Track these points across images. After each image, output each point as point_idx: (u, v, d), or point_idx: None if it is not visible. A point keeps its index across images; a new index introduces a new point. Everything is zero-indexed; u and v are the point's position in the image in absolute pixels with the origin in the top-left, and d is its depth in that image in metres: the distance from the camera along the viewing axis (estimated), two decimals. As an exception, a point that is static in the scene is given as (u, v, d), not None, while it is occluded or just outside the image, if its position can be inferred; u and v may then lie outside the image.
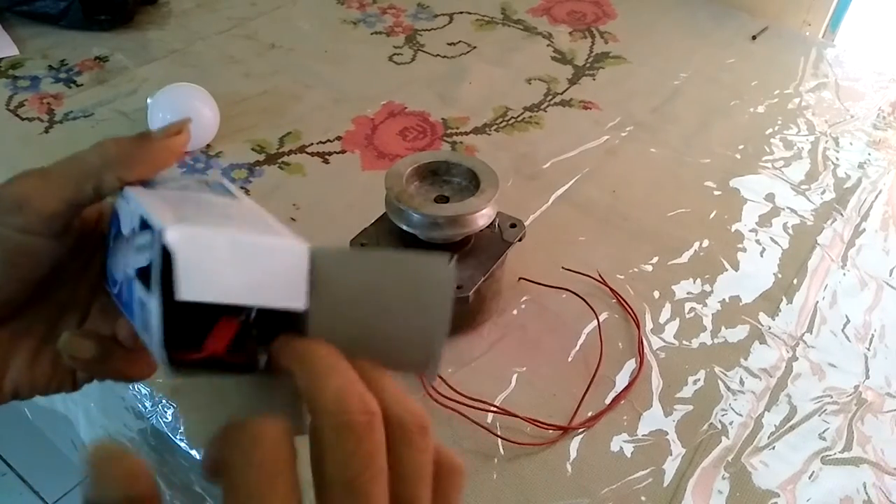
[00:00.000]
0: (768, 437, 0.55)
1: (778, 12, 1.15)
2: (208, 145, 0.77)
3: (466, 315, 0.59)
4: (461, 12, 1.07)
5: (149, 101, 0.76)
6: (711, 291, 0.66)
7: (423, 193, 0.57)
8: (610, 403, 0.56)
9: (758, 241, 0.72)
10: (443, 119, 0.85)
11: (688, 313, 0.64)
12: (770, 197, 0.78)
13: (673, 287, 0.66)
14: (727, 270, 0.69)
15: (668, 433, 0.55)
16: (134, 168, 0.28)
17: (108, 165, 0.27)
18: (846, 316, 0.66)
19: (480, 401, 0.54)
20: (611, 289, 0.64)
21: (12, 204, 0.27)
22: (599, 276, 0.65)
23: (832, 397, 0.59)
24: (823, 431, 0.56)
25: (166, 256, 0.22)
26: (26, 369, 0.30)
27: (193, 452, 0.52)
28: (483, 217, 0.55)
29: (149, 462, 0.58)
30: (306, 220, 0.68)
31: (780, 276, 0.69)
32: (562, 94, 0.91)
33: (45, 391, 0.31)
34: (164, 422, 0.53)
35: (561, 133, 0.84)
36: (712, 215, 0.75)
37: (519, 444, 0.52)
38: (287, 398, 0.25)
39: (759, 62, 1.01)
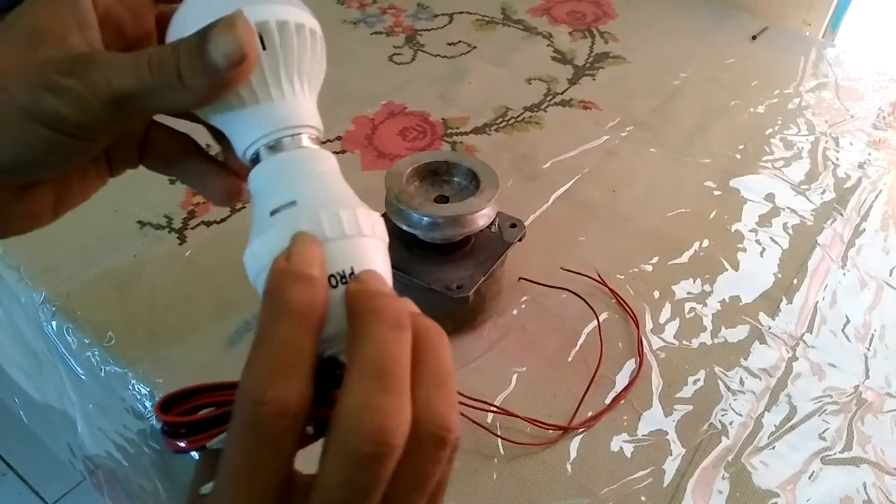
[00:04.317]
0: (768, 437, 0.55)
1: (778, 12, 1.15)
2: (207, 145, 0.77)
3: (466, 315, 0.59)
4: (461, 12, 1.07)
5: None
6: (711, 291, 0.66)
7: (423, 193, 0.57)
8: (610, 403, 0.56)
9: (758, 241, 0.72)
10: (443, 119, 0.85)
11: (688, 313, 0.64)
12: (770, 197, 0.78)
13: (673, 287, 0.66)
14: (727, 270, 0.69)
15: (667, 433, 0.55)
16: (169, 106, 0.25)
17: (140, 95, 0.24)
18: (846, 316, 0.66)
19: (480, 401, 0.54)
20: (610, 289, 0.64)
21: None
22: (599, 276, 0.65)
23: (832, 397, 0.59)
24: (823, 431, 0.56)
25: None
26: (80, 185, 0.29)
27: (193, 453, 0.52)
28: (483, 217, 0.55)
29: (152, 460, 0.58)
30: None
31: (780, 276, 0.69)
32: (562, 94, 0.91)
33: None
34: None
35: (561, 133, 0.84)
36: (712, 215, 0.75)
37: (519, 444, 0.52)
38: None
39: (759, 62, 1.01)
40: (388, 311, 0.22)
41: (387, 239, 0.26)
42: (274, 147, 0.26)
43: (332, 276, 0.24)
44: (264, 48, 0.25)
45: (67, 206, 0.30)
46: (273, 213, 0.25)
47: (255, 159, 0.26)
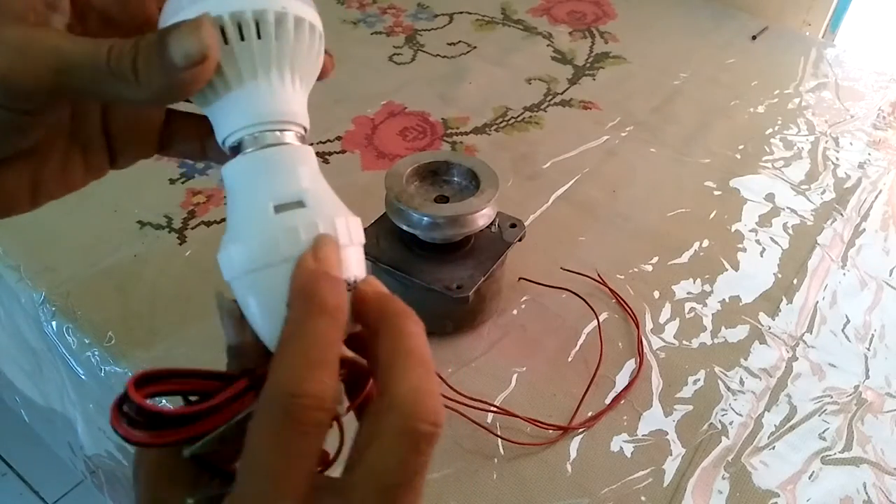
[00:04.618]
0: (768, 437, 0.55)
1: (778, 12, 1.15)
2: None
3: (466, 315, 0.59)
4: (461, 12, 1.07)
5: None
6: (711, 291, 0.66)
7: (423, 193, 0.57)
8: (610, 403, 0.56)
9: (758, 241, 0.72)
10: (443, 119, 0.85)
11: (688, 313, 0.64)
12: (770, 197, 0.78)
13: (673, 287, 0.66)
14: (727, 270, 0.69)
15: (667, 433, 0.55)
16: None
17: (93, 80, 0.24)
18: (846, 316, 0.66)
19: (480, 401, 0.54)
20: (610, 289, 0.64)
21: None
22: (599, 276, 0.65)
23: (832, 397, 0.59)
24: (823, 431, 0.56)
25: None
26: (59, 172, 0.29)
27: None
28: (483, 217, 0.55)
29: None
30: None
31: (780, 276, 0.69)
32: (562, 94, 0.91)
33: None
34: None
35: (561, 133, 0.84)
36: (712, 215, 0.75)
37: (519, 444, 0.52)
38: None
39: (759, 62, 1.01)
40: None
41: (363, 241, 0.28)
42: (259, 138, 0.25)
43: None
44: (259, 37, 0.25)
45: (47, 195, 0.29)
46: (277, 209, 0.24)
47: (237, 148, 0.26)
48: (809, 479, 0.53)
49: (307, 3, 0.26)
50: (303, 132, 0.27)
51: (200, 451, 0.23)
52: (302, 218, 0.24)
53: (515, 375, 0.57)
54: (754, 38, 1.06)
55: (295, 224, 0.24)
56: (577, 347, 0.60)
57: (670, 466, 0.52)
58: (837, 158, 0.85)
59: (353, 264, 0.25)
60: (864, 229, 0.76)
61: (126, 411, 0.23)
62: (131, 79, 0.23)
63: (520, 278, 0.64)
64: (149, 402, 0.23)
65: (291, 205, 0.25)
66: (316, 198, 0.25)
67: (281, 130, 0.26)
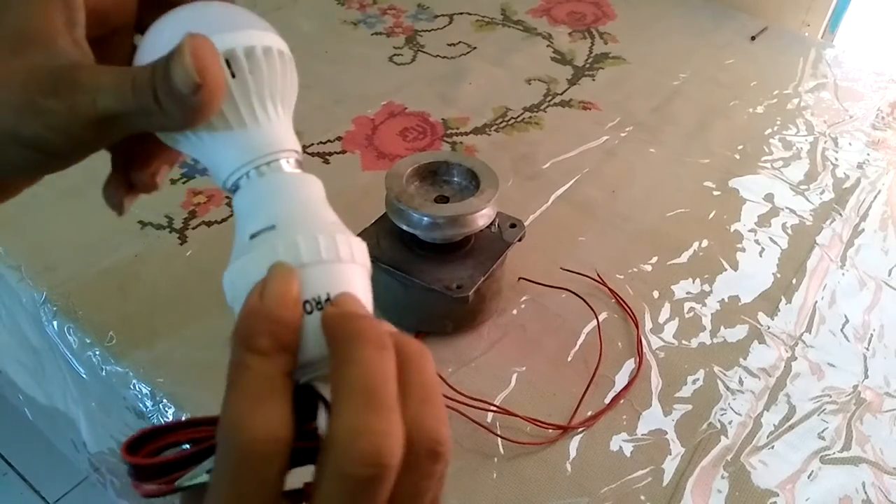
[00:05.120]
0: (767, 437, 0.55)
1: (777, 13, 1.15)
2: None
3: (466, 315, 0.59)
4: (461, 13, 1.07)
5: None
6: (710, 291, 0.67)
7: (423, 193, 0.57)
8: (609, 403, 0.56)
9: (757, 241, 0.73)
10: (443, 119, 0.85)
11: (687, 313, 0.64)
12: (769, 197, 0.78)
13: (672, 287, 0.66)
14: (726, 270, 0.69)
15: (667, 432, 0.55)
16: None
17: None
18: (845, 316, 0.66)
19: (480, 400, 0.54)
20: (610, 289, 0.65)
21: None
22: (598, 276, 0.65)
23: (831, 397, 0.59)
24: (822, 431, 0.56)
25: None
26: None
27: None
28: (483, 217, 0.55)
29: None
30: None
31: (779, 275, 0.69)
32: (561, 94, 0.91)
33: None
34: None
35: (561, 133, 0.84)
36: (711, 215, 0.75)
37: (519, 443, 0.53)
38: None
39: (758, 63, 1.02)
40: (369, 333, 0.22)
41: (368, 265, 0.26)
42: (251, 175, 0.26)
43: (307, 301, 0.24)
44: (234, 76, 0.25)
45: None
46: (252, 236, 0.25)
47: (236, 188, 0.26)
48: (808, 478, 0.53)
49: (267, 29, 0.27)
50: (295, 156, 0.27)
51: (189, 483, 0.24)
52: (264, 242, 0.24)
53: (515, 375, 0.57)
54: (753, 38, 1.07)
55: (257, 249, 0.24)
56: (577, 347, 0.60)
57: (669, 466, 0.53)
58: (836, 159, 0.85)
59: (324, 282, 0.24)
60: (863, 229, 0.76)
61: (134, 472, 0.24)
62: (155, 110, 0.23)
63: (520, 278, 0.64)
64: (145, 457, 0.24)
65: (264, 230, 0.25)
66: (290, 220, 0.25)
67: (270, 162, 0.26)
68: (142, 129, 0.25)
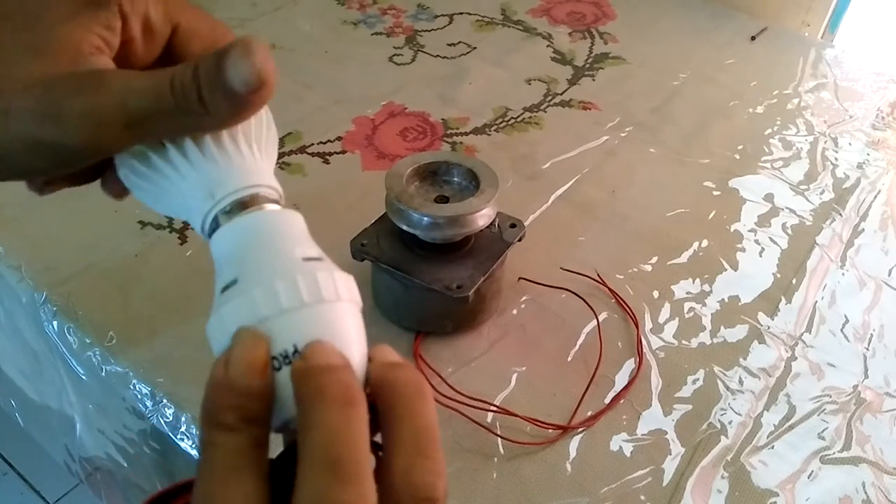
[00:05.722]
0: (767, 437, 0.55)
1: (777, 13, 1.15)
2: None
3: (466, 315, 0.59)
4: (461, 13, 1.07)
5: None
6: (710, 291, 0.67)
7: (423, 193, 0.57)
8: (609, 403, 0.56)
9: (757, 241, 0.73)
10: (443, 119, 0.85)
11: (687, 313, 0.64)
12: (769, 197, 0.78)
13: (672, 287, 0.66)
14: (726, 270, 0.69)
15: (667, 432, 0.55)
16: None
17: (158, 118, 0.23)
18: (845, 316, 0.66)
19: (480, 400, 0.54)
20: (610, 289, 0.65)
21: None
22: (598, 276, 0.65)
23: (831, 397, 0.59)
24: (822, 431, 0.56)
25: None
26: None
27: (194, 452, 0.53)
28: (483, 217, 0.55)
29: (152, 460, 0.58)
30: (306, 221, 0.68)
31: (779, 275, 0.69)
32: (561, 94, 0.91)
33: None
34: (164, 422, 0.54)
35: (561, 133, 0.84)
36: (711, 215, 0.75)
37: (519, 443, 0.53)
38: None
39: (758, 63, 1.02)
40: (332, 389, 0.21)
41: (346, 297, 0.24)
42: (219, 218, 0.25)
43: (275, 357, 0.22)
44: None
45: None
46: (223, 290, 0.24)
47: (212, 232, 0.25)
48: (808, 478, 0.53)
49: None
50: (266, 191, 0.26)
51: None
52: (228, 299, 0.24)
53: (515, 375, 0.57)
54: (753, 38, 1.07)
55: (226, 307, 0.24)
56: (577, 347, 0.60)
57: (669, 466, 0.53)
58: (836, 159, 0.85)
59: (291, 333, 0.22)
60: (863, 229, 0.76)
61: None
62: (199, 110, 0.23)
63: (520, 278, 0.64)
64: None
65: (229, 284, 0.24)
66: (251, 270, 0.24)
67: (240, 200, 0.25)
68: (176, 133, 0.25)
